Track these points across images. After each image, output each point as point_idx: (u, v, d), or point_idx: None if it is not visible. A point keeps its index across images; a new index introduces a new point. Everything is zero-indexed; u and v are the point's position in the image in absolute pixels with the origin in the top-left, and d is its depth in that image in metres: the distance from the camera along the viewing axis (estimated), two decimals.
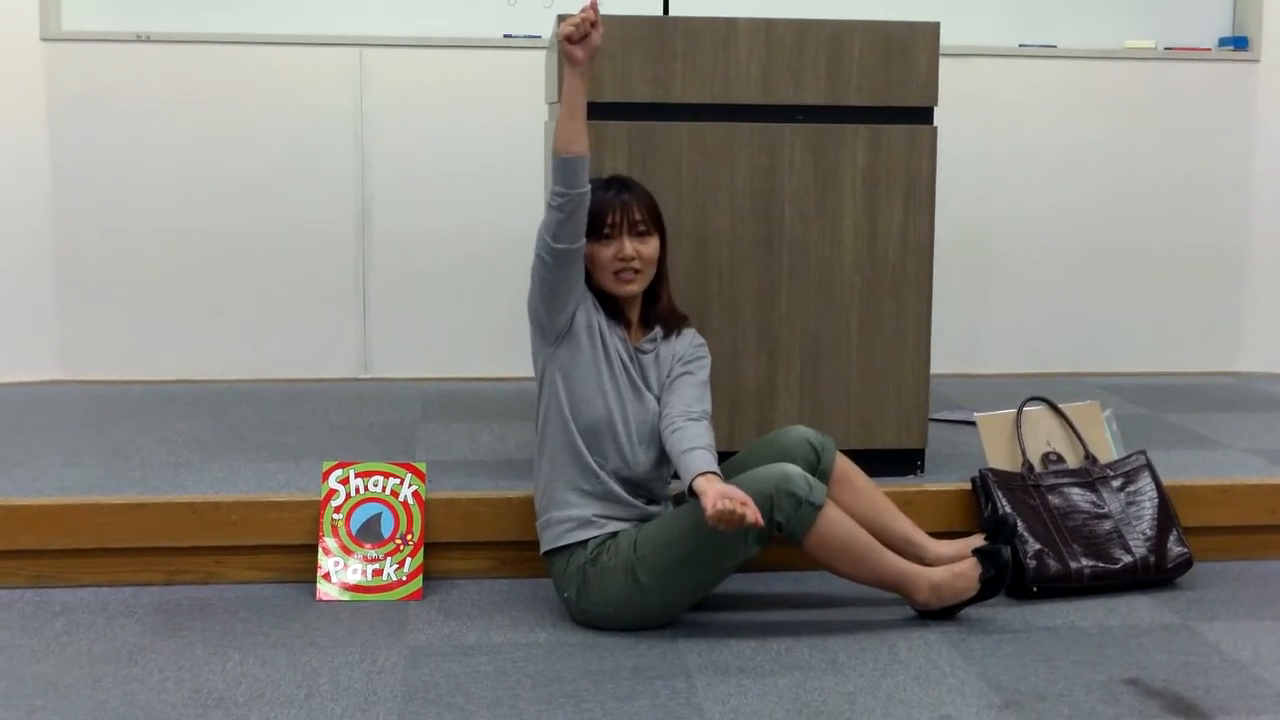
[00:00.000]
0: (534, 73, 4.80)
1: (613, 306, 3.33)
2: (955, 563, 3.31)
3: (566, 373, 3.27)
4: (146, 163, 5.11)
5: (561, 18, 3.59)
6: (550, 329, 3.26)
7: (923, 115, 3.77)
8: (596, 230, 3.26)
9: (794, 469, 3.16)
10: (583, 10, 3.14)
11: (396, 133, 5.20)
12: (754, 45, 3.69)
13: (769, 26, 3.69)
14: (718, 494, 3.00)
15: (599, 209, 3.27)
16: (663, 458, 3.33)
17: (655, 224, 3.33)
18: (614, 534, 3.24)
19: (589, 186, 3.17)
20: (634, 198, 3.31)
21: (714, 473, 3.09)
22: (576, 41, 3.13)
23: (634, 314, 3.38)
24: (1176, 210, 5.54)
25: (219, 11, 5.16)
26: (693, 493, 3.09)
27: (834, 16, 3.77)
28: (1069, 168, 5.47)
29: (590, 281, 3.31)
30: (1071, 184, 5.48)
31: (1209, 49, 5.54)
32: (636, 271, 3.29)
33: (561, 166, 3.13)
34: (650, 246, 3.31)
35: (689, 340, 3.43)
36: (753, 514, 2.99)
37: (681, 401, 3.29)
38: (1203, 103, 5.49)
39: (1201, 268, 5.57)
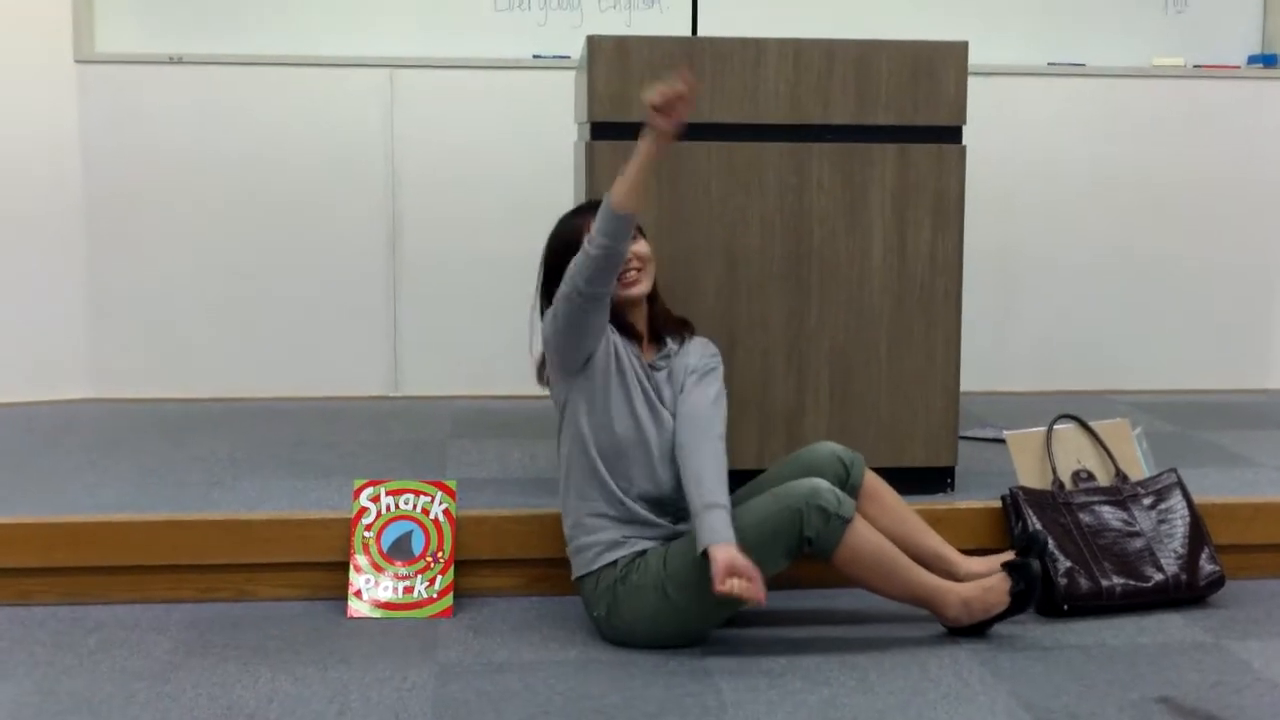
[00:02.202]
0: (564, 93, 4.82)
1: (621, 320, 3.33)
2: (985, 578, 3.30)
3: (588, 400, 3.28)
4: (179, 183, 5.15)
5: (592, 38, 3.62)
6: (573, 363, 3.27)
7: (951, 134, 3.77)
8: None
9: (823, 483, 3.16)
10: (673, 83, 3.05)
11: (426, 153, 5.23)
12: (782, 65, 3.70)
13: (797, 47, 3.70)
14: (726, 569, 3.02)
15: (581, 228, 3.25)
16: None
17: (639, 229, 3.33)
18: (642, 552, 3.24)
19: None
20: None
21: (727, 542, 3.08)
22: (664, 111, 3.07)
23: (642, 324, 3.38)
24: (1206, 227, 5.52)
25: (250, 33, 5.20)
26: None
27: (862, 36, 3.78)
28: (1098, 185, 5.47)
29: None
30: (1101, 202, 5.47)
31: (1238, 66, 5.53)
32: (638, 269, 3.30)
33: (614, 220, 3.10)
34: (643, 245, 3.32)
35: (699, 350, 3.43)
36: (756, 594, 3.02)
37: (698, 418, 3.28)
38: (1232, 120, 5.48)
39: (1231, 285, 5.55)
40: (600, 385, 3.27)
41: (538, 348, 3.36)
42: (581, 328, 3.21)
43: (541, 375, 3.43)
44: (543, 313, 3.37)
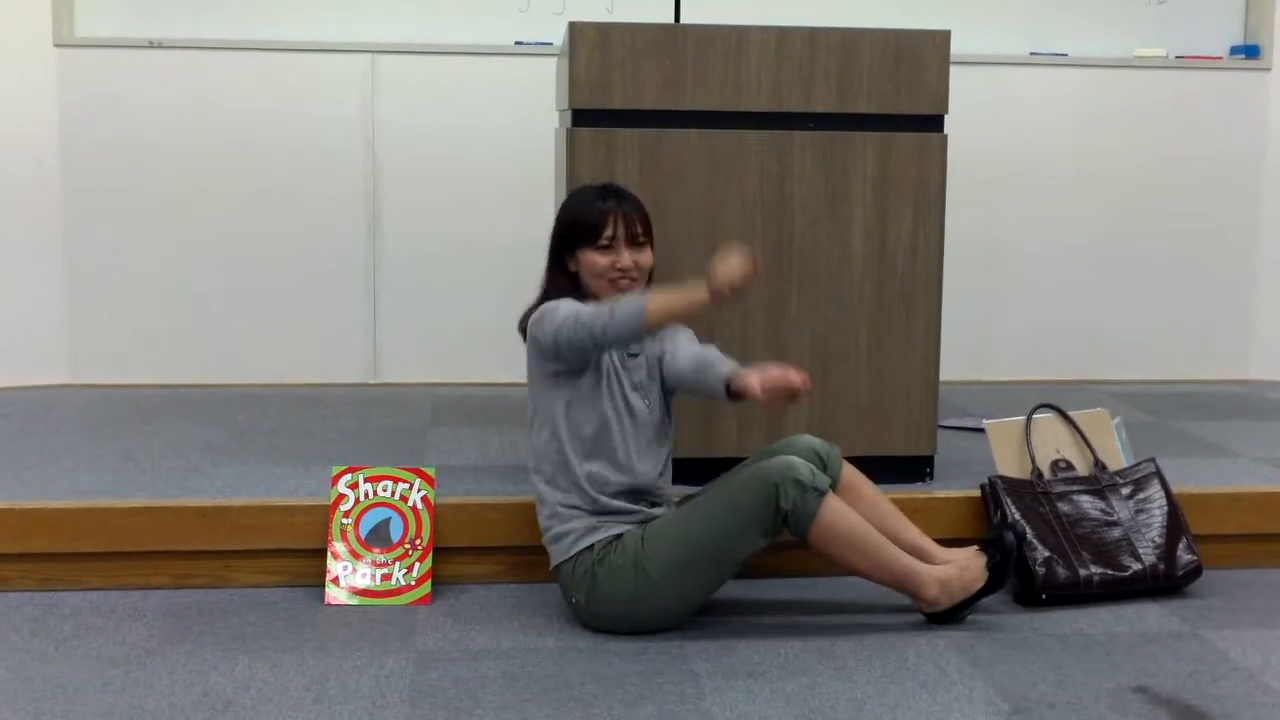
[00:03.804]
0: (545, 80, 4.80)
1: None
2: (960, 559, 3.31)
3: (567, 395, 3.28)
4: (158, 168, 5.13)
5: (574, 24, 3.61)
6: (559, 369, 3.27)
7: (933, 123, 3.77)
8: (594, 239, 3.28)
9: (798, 460, 3.19)
10: (746, 268, 3.08)
11: (408, 139, 5.21)
12: (764, 53, 3.69)
13: (780, 34, 3.69)
14: (759, 377, 3.06)
15: (598, 218, 3.28)
16: (664, 465, 3.36)
17: (650, 235, 3.35)
18: (619, 534, 3.24)
19: None
20: (633, 209, 3.32)
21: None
22: (729, 292, 3.09)
23: None
24: (1187, 218, 5.53)
25: (231, 18, 5.17)
26: (732, 394, 3.12)
27: (845, 25, 3.78)
28: (1079, 176, 5.47)
29: (582, 289, 3.32)
30: (1082, 192, 5.48)
31: (1220, 57, 5.54)
32: (633, 280, 3.30)
33: (639, 332, 3.15)
34: (646, 256, 3.33)
35: (670, 329, 3.44)
36: (799, 377, 3.04)
37: (694, 349, 3.34)
38: (1214, 111, 5.49)
39: (1212, 275, 5.57)
40: (580, 383, 3.27)
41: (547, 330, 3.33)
42: (584, 358, 3.24)
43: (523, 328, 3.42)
44: (543, 287, 3.37)
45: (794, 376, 3.04)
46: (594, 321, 3.14)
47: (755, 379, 3.06)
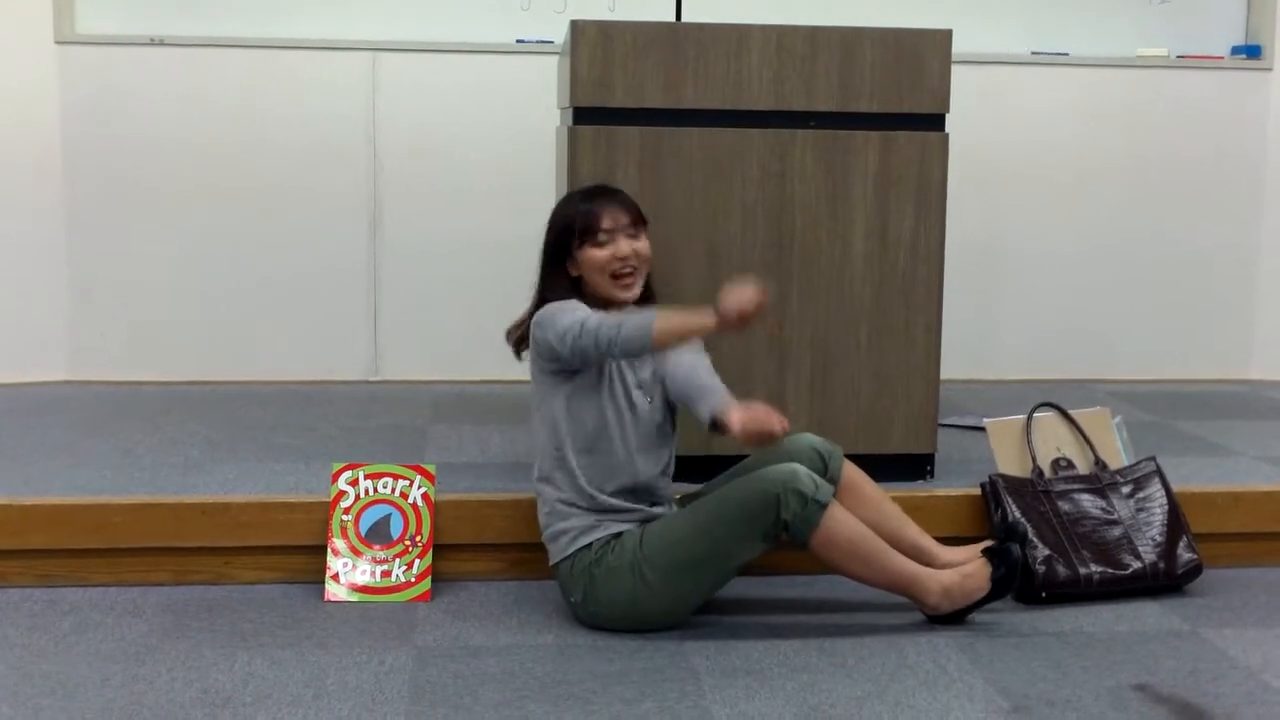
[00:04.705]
0: (546, 78, 4.80)
1: (605, 310, 3.32)
2: (964, 565, 3.30)
3: (567, 393, 3.27)
4: (159, 165, 5.12)
5: (575, 23, 3.61)
6: (562, 370, 3.26)
7: (934, 122, 3.77)
8: (591, 235, 3.28)
9: (800, 468, 3.17)
10: (755, 296, 3.06)
11: (409, 137, 5.21)
12: (766, 52, 3.69)
13: (781, 33, 3.69)
14: (739, 415, 3.04)
15: (591, 215, 3.28)
16: (665, 463, 3.36)
17: (643, 224, 3.34)
18: (618, 534, 3.24)
19: None
20: (620, 201, 3.33)
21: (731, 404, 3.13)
22: (737, 320, 3.07)
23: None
24: (1188, 218, 5.53)
25: (232, 16, 5.17)
26: (715, 426, 3.11)
27: (846, 24, 3.78)
28: (1081, 175, 5.47)
29: (585, 292, 3.32)
30: (1083, 191, 5.48)
31: (1222, 57, 5.54)
32: (634, 269, 3.30)
33: (645, 349, 3.14)
34: (644, 244, 3.33)
35: None
36: (779, 423, 3.02)
37: (692, 366, 3.30)
38: (1215, 111, 5.49)
39: (1213, 275, 5.57)
40: (581, 380, 3.27)
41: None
42: (587, 364, 3.24)
43: (519, 352, 3.42)
44: (537, 292, 3.37)
45: (774, 421, 3.03)
46: (600, 332, 3.13)
47: (737, 416, 3.04)
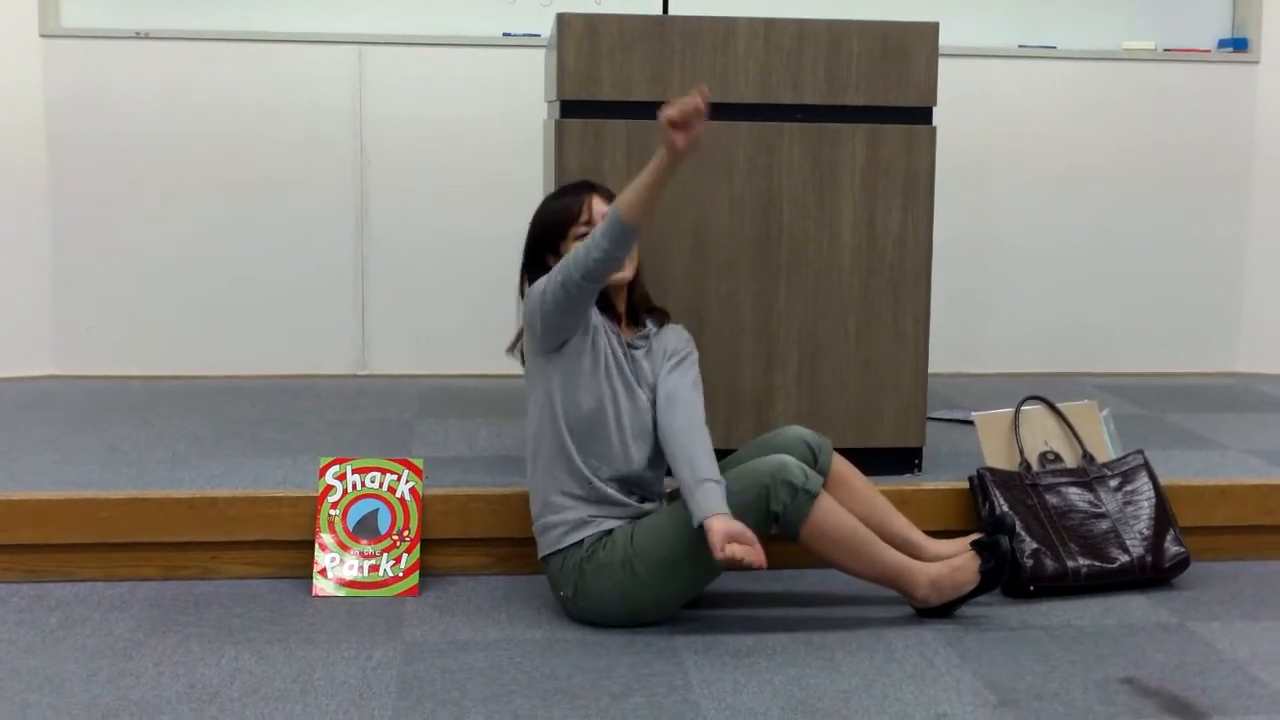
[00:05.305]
0: (533, 71, 4.80)
1: (602, 299, 3.32)
2: (953, 558, 3.31)
3: (562, 376, 3.27)
4: (144, 159, 5.11)
5: (562, 16, 3.60)
6: (552, 343, 3.25)
7: (921, 115, 3.77)
8: (569, 230, 3.29)
9: (790, 459, 3.17)
10: (690, 97, 3.01)
11: (395, 130, 5.20)
12: (753, 45, 3.68)
13: (768, 26, 3.69)
14: (725, 536, 3.03)
15: (573, 207, 3.30)
16: (657, 455, 3.33)
17: None
18: (609, 531, 3.24)
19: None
20: (596, 192, 3.34)
21: (723, 513, 3.09)
22: (679, 127, 3.02)
23: (621, 305, 3.39)
24: (1175, 211, 5.54)
25: (218, 9, 5.15)
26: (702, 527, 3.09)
27: (833, 16, 3.77)
28: (1068, 168, 5.47)
29: None
30: (1070, 184, 5.48)
31: (1208, 50, 5.54)
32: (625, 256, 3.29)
33: (620, 230, 3.08)
34: None
35: (676, 334, 3.44)
36: (757, 557, 3.03)
37: (683, 402, 3.28)
38: (1202, 104, 5.50)
39: (1200, 268, 5.57)
40: (575, 362, 3.26)
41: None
42: (569, 313, 3.21)
43: (515, 348, 3.43)
44: (521, 290, 3.37)
45: (754, 558, 3.03)
46: (575, 254, 3.13)
47: (719, 540, 3.02)
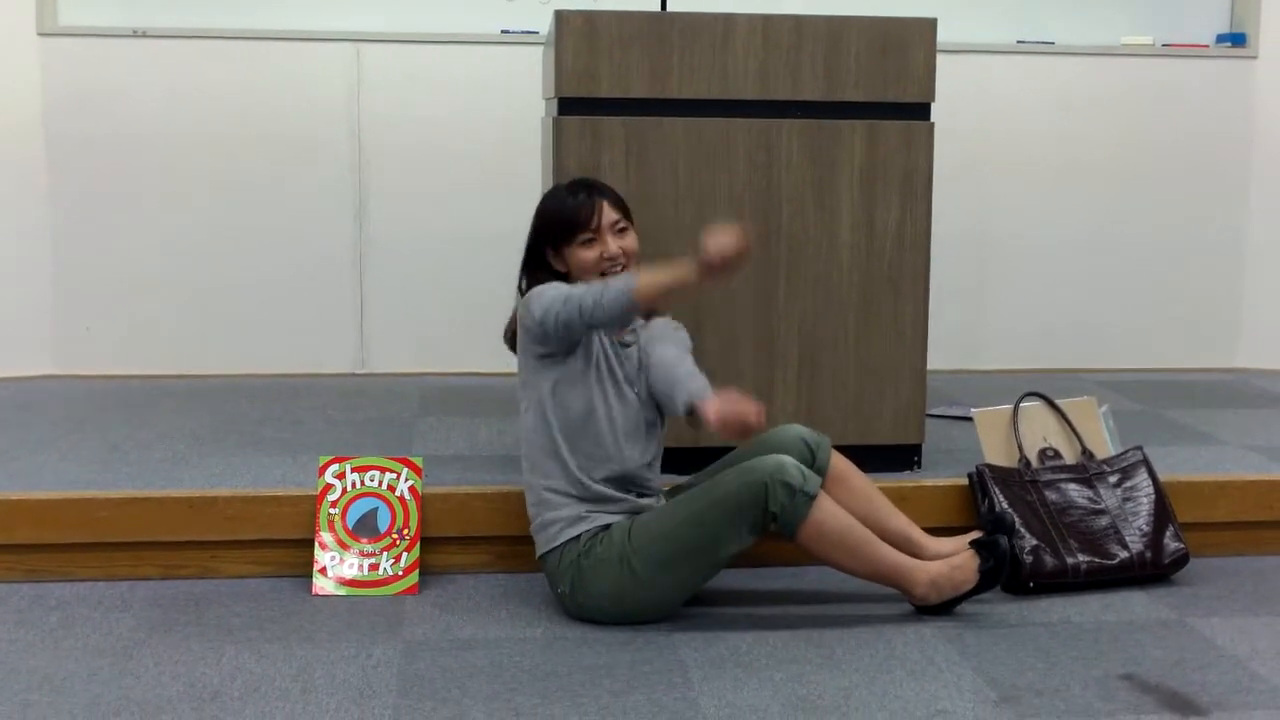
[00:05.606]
0: (531, 69, 4.80)
1: None
2: (953, 556, 3.31)
3: (554, 377, 3.27)
4: (142, 158, 5.10)
5: (560, 13, 3.60)
6: (550, 352, 3.26)
7: (920, 111, 3.77)
8: (576, 235, 3.27)
9: (788, 459, 3.17)
10: (735, 238, 3.01)
11: (393, 128, 5.20)
12: (751, 41, 3.68)
13: (766, 22, 3.69)
14: (716, 408, 3.04)
15: (576, 214, 3.29)
16: (651, 452, 3.34)
17: (629, 219, 3.34)
18: (606, 526, 3.24)
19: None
20: (606, 197, 3.32)
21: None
22: (720, 266, 3.04)
23: None
24: (1174, 207, 5.54)
25: (216, 7, 5.15)
26: (691, 414, 3.11)
27: (831, 13, 3.77)
28: (1066, 164, 5.47)
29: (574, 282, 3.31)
30: (1069, 180, 5.48)
31: (1207, 45, 5.54)
32: (623, 266, 3.30)
33: (632, 308, 3.13)
34: (631, 240, 3.33)
35: (664, 323, 3.45)
36: (755, 413, 3.01)
37: (673, 362, 3.30)
38: (1200, 99, 5.49)
39: (1199, 264, 5.57)
40: (568, 365, 3.26)
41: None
42: (567, 340, 3.23)
43: (515, 347, 3.43)
44: (520, 285, 3.36)
45: (750, 410, 3.02)
46: (584, 299, 3.13)
47: (713, 408, 3.05)
